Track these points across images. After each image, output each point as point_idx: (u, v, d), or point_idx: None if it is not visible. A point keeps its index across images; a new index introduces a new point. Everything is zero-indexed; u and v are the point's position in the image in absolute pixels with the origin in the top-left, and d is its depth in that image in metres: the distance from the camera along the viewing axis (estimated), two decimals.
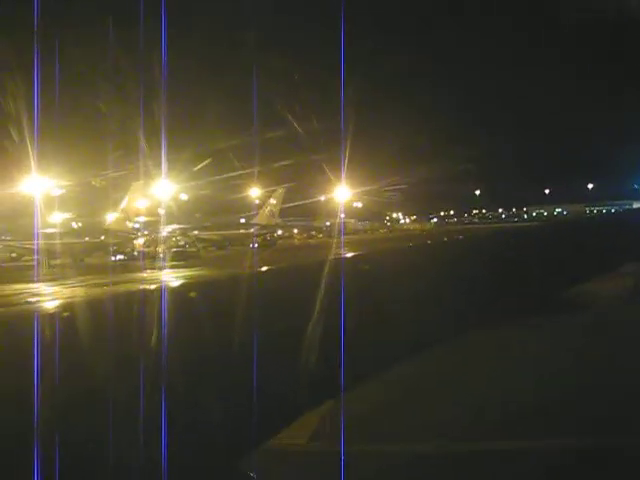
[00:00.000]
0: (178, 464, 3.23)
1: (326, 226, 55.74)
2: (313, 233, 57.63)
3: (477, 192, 79.50)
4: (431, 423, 5.05)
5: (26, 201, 33.20)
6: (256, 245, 43.37)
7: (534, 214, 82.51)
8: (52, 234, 34.43)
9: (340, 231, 50.04)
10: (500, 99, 62.56)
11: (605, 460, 4.17)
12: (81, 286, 21.80)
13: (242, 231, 45.51)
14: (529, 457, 4.31)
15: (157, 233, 36.96)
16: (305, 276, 5.37)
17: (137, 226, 38.53)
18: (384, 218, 75.43)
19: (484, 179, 70.46)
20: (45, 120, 22.09)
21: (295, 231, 57.45)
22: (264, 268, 10.58)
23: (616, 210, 61.08)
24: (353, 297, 5.37)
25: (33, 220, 33.63)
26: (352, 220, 61.36)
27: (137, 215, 38.29)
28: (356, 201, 54.81)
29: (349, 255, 12.39)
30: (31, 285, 22.52)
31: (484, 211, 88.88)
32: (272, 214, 45.99)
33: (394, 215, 78.39)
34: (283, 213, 48.30)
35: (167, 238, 38.18)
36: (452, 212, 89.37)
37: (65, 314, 3.62)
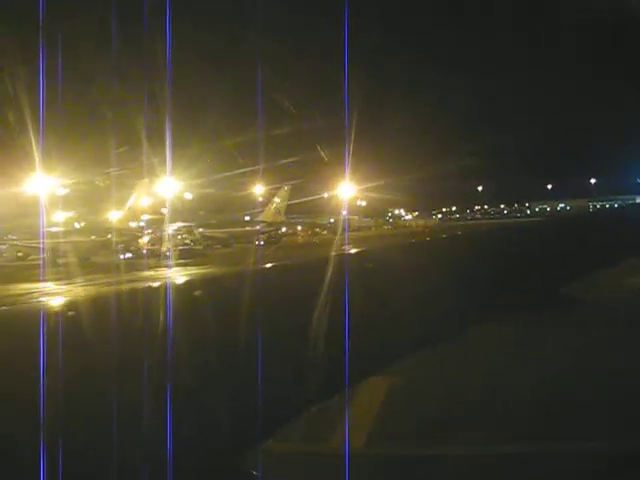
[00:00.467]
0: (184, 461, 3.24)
1: (330, 223, 55.71)
2: (317, 230, 57.54)
3: (479, 188, 79.53)
4: (433, 424, 4.98)
5: (31, 200, 33.15)
6: (262, 242, 43.34)
7: (537, 209, 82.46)
8: (57, 233, 34.40)
9: (344, 228, 49.97)
10: (503, 95, 62.43)
11: (608, 464, 4.08)
12: (92, 285, 21.76)
13: (247, 228, 45.50)
14: (531, 460, 4.26)
15: (163, 231, 36.90)
16: (313, 273, 5.36)
17: (142, 224, 38.48)
18: (386, 214, 75.38)
19: (486, 175, 70.50)
20: (49, 119, 21.99)
21: (299, 228, 57.37)
22: (273, 265, 10.56)
23: (619, 205, 61.07)
24: (358, 293, 5.37)
25: (38, 219, 33.61)
26: (356, 217, 61.28)
27: (143, 213, 38.25)
28: (359, 198, 54.81)
29: (354, 252, 12.36)
30: (43, 284, 22.47)
31: (486, 207, 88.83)
32: (278, 211, 45.97)
33: (396, 211, 78.31)
34: (287, 210, 48.31)
35: (173, 236, 38.13)
36: (454, 208, 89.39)
37: (80, 312, 3.61)
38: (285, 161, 39.67)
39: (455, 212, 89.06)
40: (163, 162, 30.57)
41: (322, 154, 36.59)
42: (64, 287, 21.51)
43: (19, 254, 35.17)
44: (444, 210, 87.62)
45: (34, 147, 24.66)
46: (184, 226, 40.78)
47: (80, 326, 3.56)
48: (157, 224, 38.42)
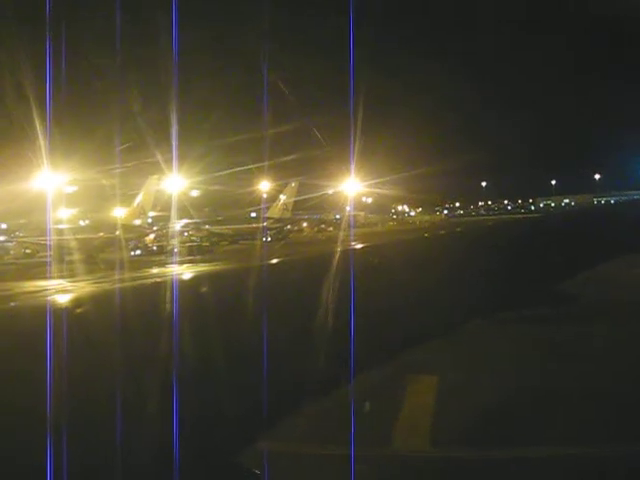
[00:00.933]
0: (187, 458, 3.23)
1: (336, 219, 55.62)
2: (323, 226, 57.45)
3: (483, 184, 79.53)
4: (434, 426, 4.94)
5: (38, 197, 32.98)
6: (269, 239, 43.20)
7: (541, 205, 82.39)
8: (65, 229, 34.24)
9: (350, 224, 49.92)
10: (507, 92, 62.30)
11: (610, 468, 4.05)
12: (108, 282, 21.58)
13: (254, 225, 45.32)
14: (532, 464, 4.21)
15: (171, 228, 36.79)
16: (323, 269, 5.38)
17: (150, 221, 38.38)
18: (390, 210, 75.36)
19: (490, 171, 70.45)
20: (56, 115, 21.84)
21: (304, 225, 57.26)
22: (283, 260, 10.61)
23: (625, 200, 61.00)
24: (365, 290, 5.33)
25: (45, 216, 33.42)
26: (362, 213, 61.17)
27: (152, 210, 38.15)
28: (365, 194, 54.70)
29: (360, 247, 12.33)
30: (59, 281, 22.29)
31: (489, 203, 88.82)
32: (285, 207, 45.83)
33: (399, 207, 78.29)
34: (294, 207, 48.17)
35: (180, 233, 38.04)
36: (457, 204, 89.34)
37: (100, 311, 3.57)
38: (291, 157, 39.57)
39: (459, 208, 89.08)
40: (169, 159, 30.51)
41: (328, 150, 36.57)
42: (81, 284, 21.32)
43: (27, 251, 34.97)
44: (447, 206, 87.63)
45: (41, 143, 24.55)
46: (191, 223, 40.67)
47: (115, 322, 3.53)
48: (164, 221, 38.34)
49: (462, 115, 63.60)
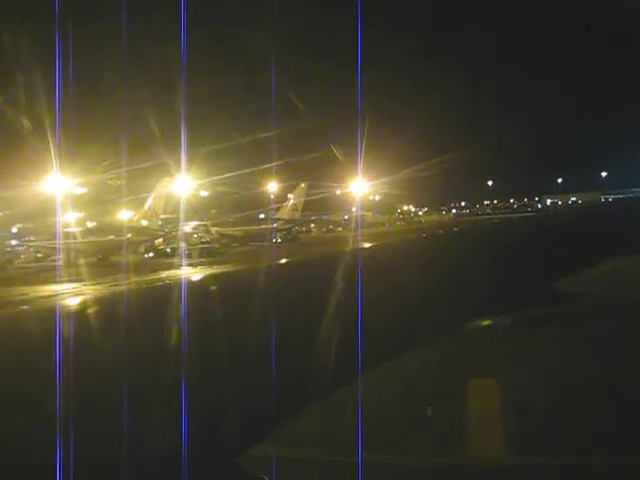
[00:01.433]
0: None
1: (345, 220, 55.58)
2: (331, 227, 57.44)
3: (489, 183, 79.34)
4: (436, 435, 4.96)
5: (48, 201, 32.86)
6: (279, 240, 43.11)
7: (548, 203, 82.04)
8: (75, 233, 34.16)
9: (358, 224, 49.96)
10: (513, 91, 62.28)
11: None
12: (120, 285, 21.48)
13: (263, 226, 45.24)
14: (536, 472, 4.28)
15: (182, 230, 36.67)
16: (333, 268, 5.44)
17: (160, 223, 38.26)
18: (396, 210, 75.28)
19: (496, 170, 70.31)
20: (64, 120, 21.74)
21: (312, 225, 57.24)
22: (294, 261, 10.73)
23: (632, 197, 60.88)
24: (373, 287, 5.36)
25: (55, 220, 33.29)
26: (369, 213, 61.12)
27: (163, 212, 38.05)
28: (372, 194, 54.62)
29: (368, 247, 12.33)
30: (72, 285, 22.12)
31: (495, 202, 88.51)
32: (295, 208, 45.74)
33: (405, 207, 78.24)
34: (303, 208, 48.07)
35: (191, 235, 37.93)
36: (463, 203, 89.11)
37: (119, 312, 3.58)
38: (299, 159, 39.56)
39: (465, 207, 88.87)
40: (179, 162, 30.43)
41: (336, 152, 36.62)
42: (97, 287, 21.15)
43: (38, 255, 34.90)
44: (453, 205, 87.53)
45: (51, 149, 24.46)
46: (201, 225, 40.54)
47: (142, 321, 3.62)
48: (175, 223, 38.19)
49: (467, 115, 63.55)
